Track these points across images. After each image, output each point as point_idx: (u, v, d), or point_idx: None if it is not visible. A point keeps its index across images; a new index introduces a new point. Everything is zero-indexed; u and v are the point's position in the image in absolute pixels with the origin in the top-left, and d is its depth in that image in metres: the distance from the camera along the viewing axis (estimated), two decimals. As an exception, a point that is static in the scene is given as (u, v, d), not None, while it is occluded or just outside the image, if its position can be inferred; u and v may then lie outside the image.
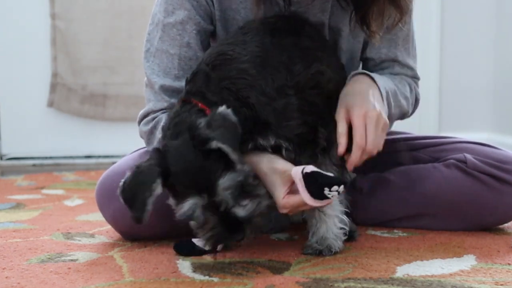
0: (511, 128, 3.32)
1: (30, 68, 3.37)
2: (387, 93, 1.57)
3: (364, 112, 1.45)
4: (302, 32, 1.56)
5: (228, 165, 1.30)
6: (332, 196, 1.38)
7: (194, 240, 1.51)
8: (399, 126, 1.84)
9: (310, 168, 1.38)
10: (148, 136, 1.62)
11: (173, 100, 1.58)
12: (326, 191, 1.37)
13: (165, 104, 1.59)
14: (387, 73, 1.72)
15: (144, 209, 1.30)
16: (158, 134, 1.59)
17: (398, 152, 1.80)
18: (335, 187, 1.37)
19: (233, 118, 1.34)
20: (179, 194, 1.32)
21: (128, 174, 1.34)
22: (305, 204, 1.38)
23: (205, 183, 1.30)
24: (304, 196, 1.36)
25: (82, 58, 3.39)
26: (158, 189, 1.30)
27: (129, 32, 3.40)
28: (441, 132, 3.47)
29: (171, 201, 1.36)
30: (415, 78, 1.76)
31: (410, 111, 1.74)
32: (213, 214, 1.31)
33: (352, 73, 1.58)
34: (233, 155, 1.30)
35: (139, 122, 1.65)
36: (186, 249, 1.51)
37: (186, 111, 1.39)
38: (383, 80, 1.59)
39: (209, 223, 1.32)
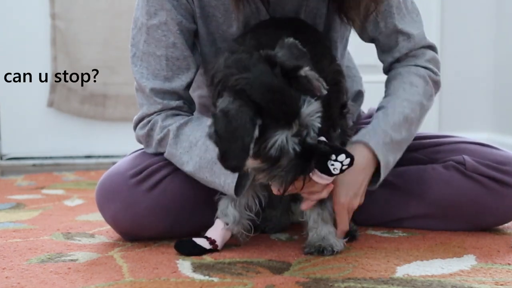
0: (511, 128, 3.32)
1: (30, 68, 3.37)
2: (391, 141, 1.56)
3: (348, 202, 1.53)
4: (313, 33, 1.57)
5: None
6: (334, 169, 1.37)
7: (195, 239, 1.51)
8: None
9: (321, 138, 1.38)
10: (146, 139, 1.62)
11: (166, 101, 1.58)
12: (330, 162, 1.37)
13: (158, 107, 1.59)
14: (397, 55, 1.67)
15: (245, 156, 1.26)
16: (156, 135, 1.59)
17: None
18: (341, 156, 1.37)
19: (303, 47, 1.34)
20: (265, 129, 1.27)
21: (211, 122, 1.28)
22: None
23: (294, 111, 1.27)
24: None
25: (82, 58, 3.39)
26: (257, 131, 1.25)
27: (129, 32, 3.39)
28: (441, 132, 3.46)
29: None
30: (425, 47, 1.69)
31: (431, 103, 1.69)
32: (298, 144, 1.29)
33: (352, 139, 1.57)
34: (316, 82, 1.29)
35: (135, 128, 1.64)
36: (187, 248, 1.50)
37: (235, 54, 1.36)
38: (384, 132, 1.56)
39: (291, 155, 1.30)
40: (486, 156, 1.67)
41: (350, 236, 1.58)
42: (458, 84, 3.54)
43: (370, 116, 1.90)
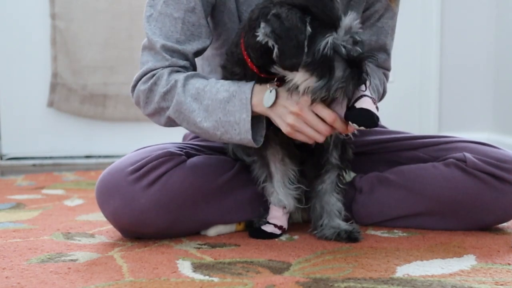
0: (511, 128, 3.32)
1: (30, 68, 3.37)
2: None
3: None
4: None
5: None
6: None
7: (264, 228, 1.64)
8: (398, 126, 1.84)
9: None
10: (147, 94, 1.58)
11: (174, 59, 1.56)
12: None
13: (166, 63, 1.57)
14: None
15: (302, 53, 1.34)
16: (161, 88, 1.55)
17: (398, 151, 1.80)
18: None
19: None
20: (314, 33, 1.35)
21: (264, 24, 1.36)
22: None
23: (336, 16, 1.37)
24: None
25: (82, 58, 3.39)
26: (309, 28, 1.35)
27: (129, 32, 3.40)
28: (441, 132, 3.47)
29: None
30: (388, 69, 1.82)
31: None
32: (347, 51, 1.36)
33: None
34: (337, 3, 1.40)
35: (135, 85, 1.60)
36: (261, 235, 1.64)
37: None
38: None
39: (343, 65, 1.36)
40: (487, 153, 1.67)
41: (353, 238, 1.59)
42: (458, 84, 3.54)
43: None
